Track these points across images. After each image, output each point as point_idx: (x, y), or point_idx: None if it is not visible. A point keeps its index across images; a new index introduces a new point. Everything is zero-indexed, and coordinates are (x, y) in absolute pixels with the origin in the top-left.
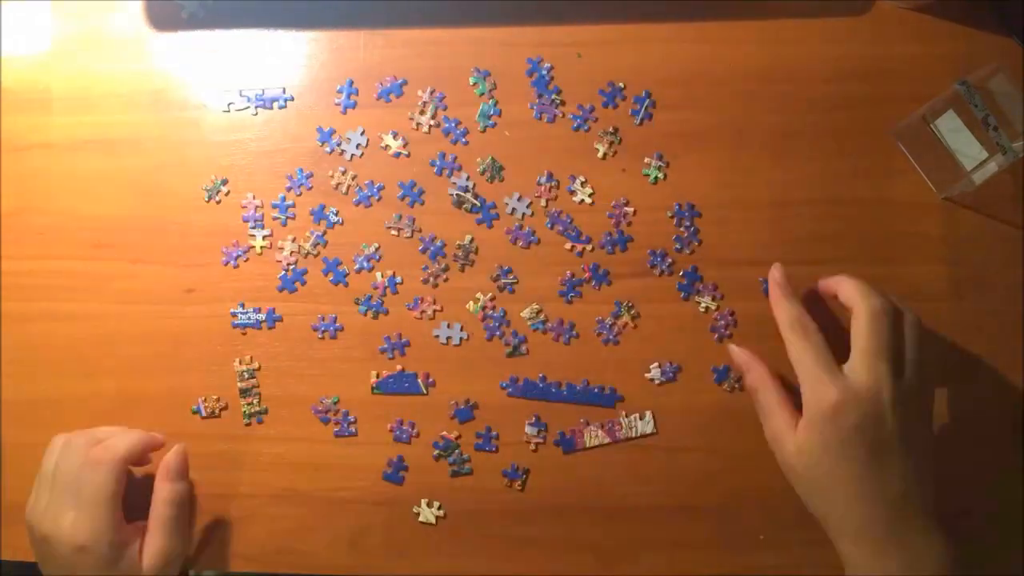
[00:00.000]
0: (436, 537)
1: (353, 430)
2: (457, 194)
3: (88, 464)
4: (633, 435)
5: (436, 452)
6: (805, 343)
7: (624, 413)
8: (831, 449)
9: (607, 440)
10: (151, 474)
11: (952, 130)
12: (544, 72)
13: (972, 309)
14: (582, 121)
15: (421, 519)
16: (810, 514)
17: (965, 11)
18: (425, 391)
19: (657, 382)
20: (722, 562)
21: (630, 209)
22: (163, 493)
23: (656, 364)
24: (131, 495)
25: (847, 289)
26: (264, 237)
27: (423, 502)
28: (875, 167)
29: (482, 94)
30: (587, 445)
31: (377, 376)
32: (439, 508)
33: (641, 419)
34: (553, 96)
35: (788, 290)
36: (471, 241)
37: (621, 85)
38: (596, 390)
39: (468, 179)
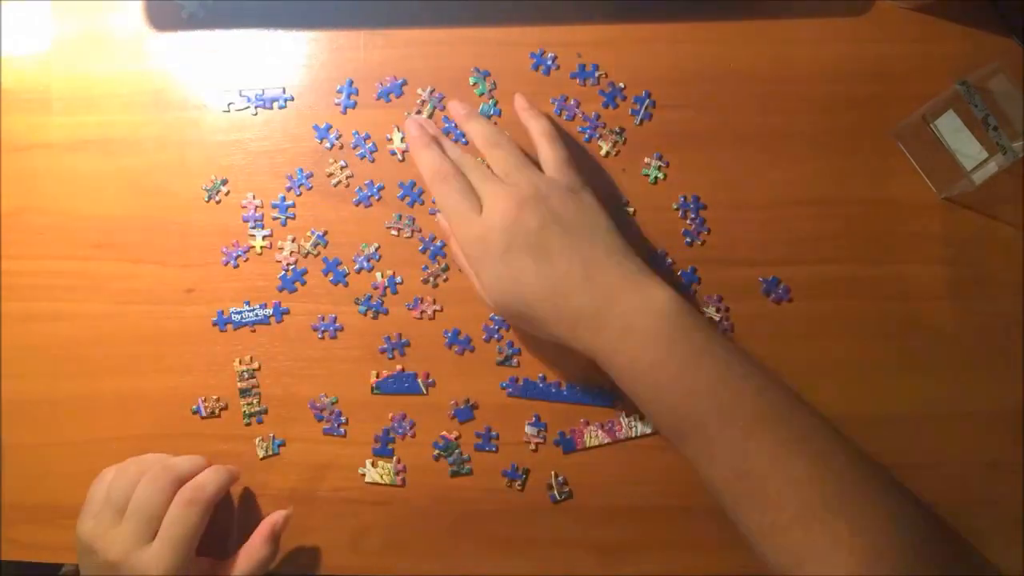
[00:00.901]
0: (436, 537)
1: (343, 431)
2: None
3: (180, 503)
4: (633, 435)
5: (436, 452)
6: (447, 186)
7: (624, 413)
8: (502, 280)
9: (607, 440)
10: None
11: (952, 130)
12: (549, 63)
13: (972, 309)
14: (592, 130)
15: (367, 480)
16: None
17: (965, 11)
18: (425, 391)
19: None
20: (721, 562)
21: (630, 209)
22: (260, 554)
23: None
24: None
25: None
26: (264, 237)
27: (367, 462)
28: (875, 167)
29: (482, 94)
30: (587, 445)
31: (377, 376)
32: (385, 469)
33: (641, 420)
34: (597, 74)
35: (427, 139)
36: None
37: (621, 85)
38: (595, 390)
39: None
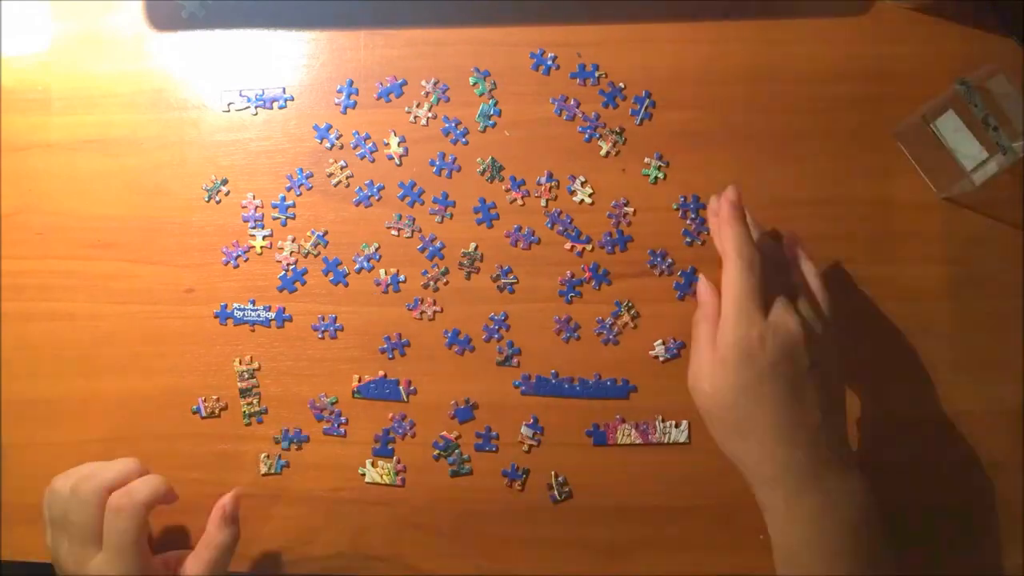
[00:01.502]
0: (436, 537)
1: (343, 431)
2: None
3: (110, 511)
4: (666, 441)
5: (436, 452)
6: (748, 273)
7: (661, 418)
8: (748, 389)
9: (639, 440)
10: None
11: (952, 130)
12: (549, 63)
13: (972, 309)
14: (592, 130)
15: (367, 480)
16: None
17: (965, 11)
18: (406, 399)
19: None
20: (721, 562)
21: (630, 209)
22: (218, 538)
23: (661, 341)
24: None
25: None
26: (264, 237)
27: (367, 463)
28: (875, 167)
29: (482, 94)
30: (619, 442)
31: (359, 380)
32: (385, 468)
33: (676, 427)
34: (597, 74)
35: (742, 214)
36: (476, 248)
37: (621, 85)
38: (609, 383)
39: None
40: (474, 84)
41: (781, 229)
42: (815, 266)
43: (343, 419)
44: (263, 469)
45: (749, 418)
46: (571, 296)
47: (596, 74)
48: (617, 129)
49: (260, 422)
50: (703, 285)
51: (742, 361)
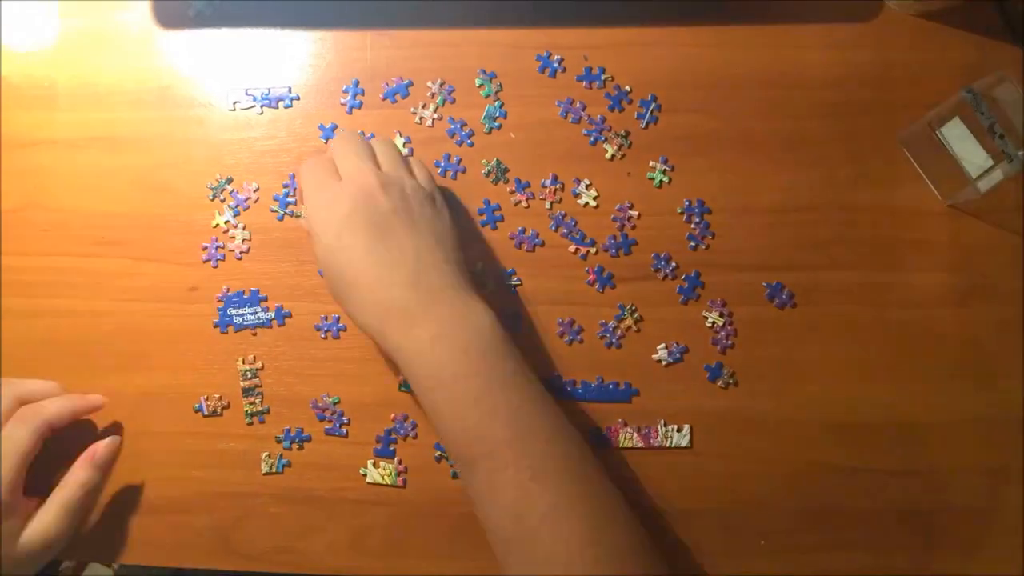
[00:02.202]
0: (436, 538)
1: (344, 431)
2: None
3: (13, 420)
4: (668, 445)
5: (437, 453)
6: (308, 164)
7: (663, 422)
8: (335, 249)
9: (640, 444)
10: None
11: (958, 137)
12: (555, 65)
13: (975, 316)
14: (597, 133)
15: (368, 480)
16: (811, 520)
17: (972, 19)
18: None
19: (664, 362)
20: (722, 567)
21: (635, 212)
22: (80, 477)
23: (664, 344)
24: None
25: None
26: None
27: (369, 463)
28: (880, 173)
29: (488, 96)
30: (621, 445)
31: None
32: (387, 469)
33: (678, 431)
34: (603, 77)
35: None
36: (482, 267)
37: (627, 88)
38: (611, 386)
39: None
40: (480, 85)
41: None
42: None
43: (345, 419)
44: (264, 468)
45: (347, 274)
46: (611, 343)
47: (602, 77)
48: (623, 132)
49: (262, 422)
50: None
51: (321, 225)
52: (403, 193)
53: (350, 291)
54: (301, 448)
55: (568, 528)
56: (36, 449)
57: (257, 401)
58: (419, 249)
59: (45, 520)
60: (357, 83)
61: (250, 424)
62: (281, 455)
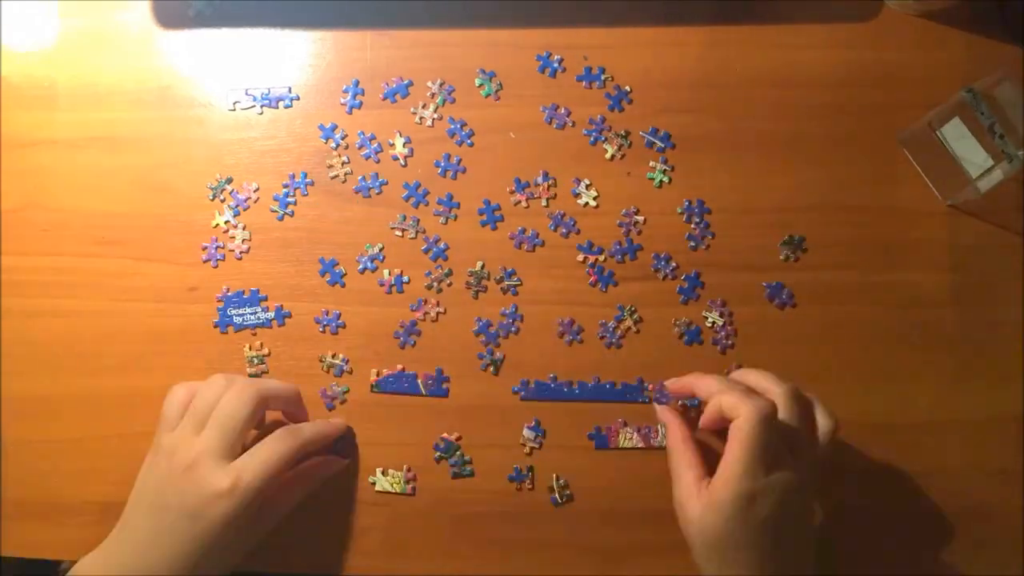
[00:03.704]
0: (437, 538)
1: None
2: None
3: (231, 391)
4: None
5: (437, 454)
6: (764, 428)
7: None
8: (736, 535)
9: (640, 444)
10: None
11: (958, 137)
12: (555, 65)
13: (976, 316)
14: (597, 133)
15: (377, 488)
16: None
17: (972, 19)
18: (424, 392)
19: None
20: None
21: (640, 218)
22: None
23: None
24: None
25: (731, 399)
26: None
27: (378, 471)
28: (880, 173)
29: (488, 95)
30: (620, 445)
31: (377, 375)
32: (396, 477)
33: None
34: (603, 77)
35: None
36: (483, 267)
37: (627, 88)
38: (608, 386)
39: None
40: (480, 85)
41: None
42: (830, 419)
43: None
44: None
45: (731, 559)
46: (611, 343)
47: (602, 77)
48: (623, 132)
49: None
50: (659, 412)
51: (736, 515)
52: (806, 496)
53: (723, 569)
54: None
55: None
56: (255, 418)
57: None
58: (800, 558)
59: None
60: (357, 83)
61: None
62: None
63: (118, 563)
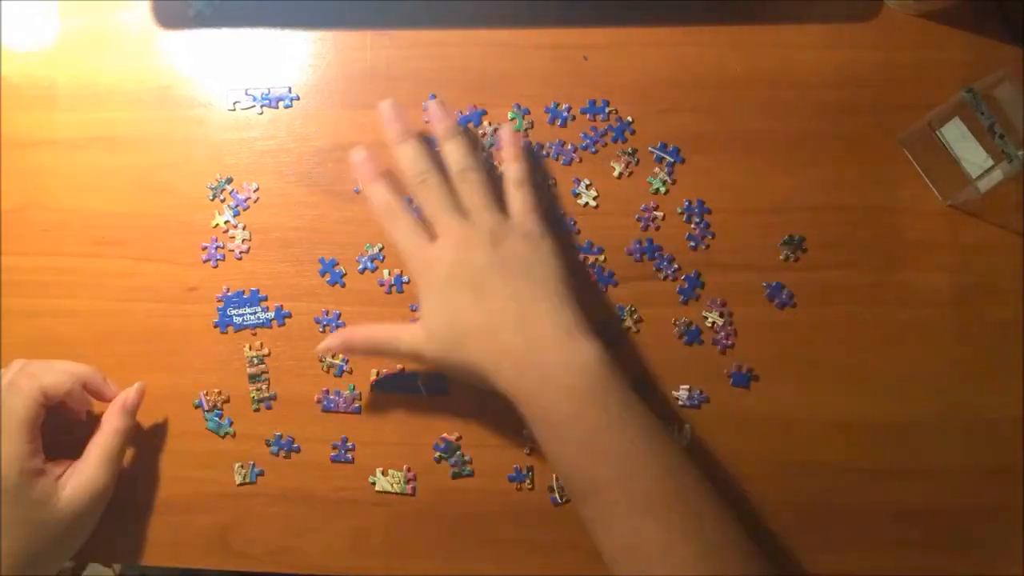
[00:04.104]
0: (436, 538)
1: (350, 456)
2: None
3: (9, 388)
4: None
5: (437, 454)
6: (395, 225)
7: (664, 423)
8: (441, 312)
9: None
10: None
11: (958, 137)
12: (564, 114)
13: (975, 316)
14: (591, 143)
15: (377, 488)
16: (807, 520)
17: (972, 19)
18: (423, 391)
19: (681, 403)
20: None
21: (659, 213)
22: (114, 424)
23: (686, 388)
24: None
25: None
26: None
27: (378, 471)
28: (880, 173)
29: (519, 130)
30: None
31: (377, 374)
32: (396, 477)
33: (679, 431)
34: (607, 110)
35: (373, 172)
36: None
37: (629, 119)
38: None
39: None
40: (512, 119)
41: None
42: (519, 166)
43: (350, 444)
44: (238, 479)
45: (455, 329)
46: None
47: (606, 110)
48: (630, 150)
49: (269, 408)
50: (326, 348)
51: (425, 293)
52: (494, 243)
53: (461, 346)
54: (288, 457)
55: (681, 561)
56: (38, 414)
57: (264, 387)
58: (518, 295)
59: (86, 472)
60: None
61: (256, 411)
62: (254, 464)
63: None
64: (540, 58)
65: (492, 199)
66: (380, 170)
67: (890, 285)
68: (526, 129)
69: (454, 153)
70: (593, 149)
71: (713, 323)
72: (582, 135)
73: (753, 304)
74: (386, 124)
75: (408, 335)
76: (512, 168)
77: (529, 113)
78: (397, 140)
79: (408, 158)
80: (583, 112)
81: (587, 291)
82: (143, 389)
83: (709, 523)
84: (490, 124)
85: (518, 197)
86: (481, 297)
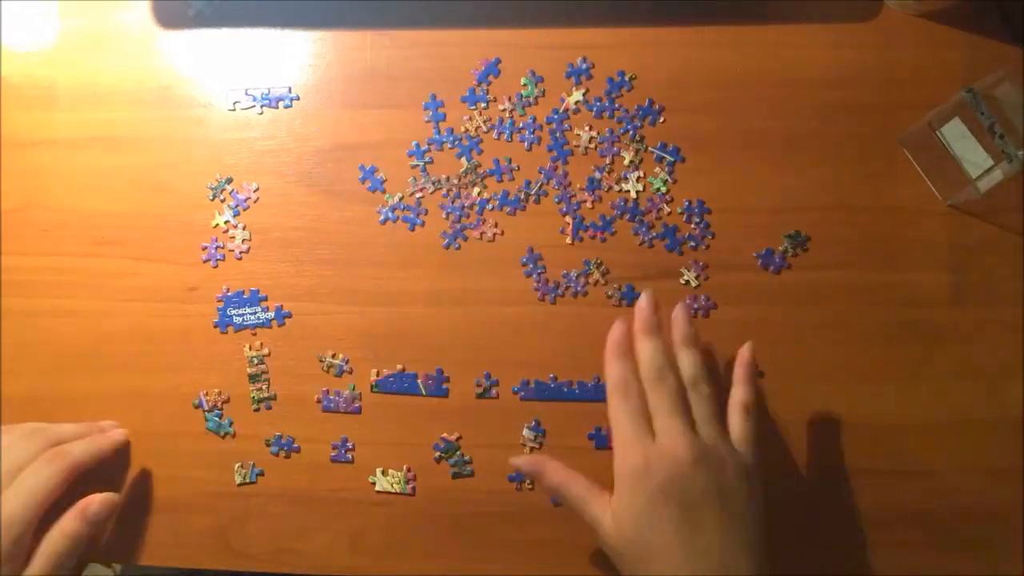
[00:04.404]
0: (436, 538)
1: (350, 456)
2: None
3: (44, 459)
4: None
5: (437, 454)
6: (624, 404)
7: None
8: (642, 515)
9: None
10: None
11: (958, 137)
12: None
13: (975, 316)
14: (609, 144)
15: (377, 488)
16: (807, 520)
17: (972, 19)
18: (423, 392)
19: None
20: None
21: (708, 208)
22: (70, 526)
23: None
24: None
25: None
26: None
27: (378, 471)
28: (881, 173)
29: (529, 95)
30: None
31: (377, 375)
32: (396, 477)
33: None
34: (625, 88)
35: (623, 349)
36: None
37: (630, 76)
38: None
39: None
40: (524, 85)
41: (739, 350)
42: (750, 391)
43: (350, 444)
44: (238, 479)
45: (649, 545)
46: (577, 292)
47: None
48: (638, 137)
49: (269, 408)
50: (521, 464)
51: (633, 488)
52: (718, 468)
53: (649, 561)
54: (288, 457)
55: None
56: (60, 491)
57: (264, 387)
58: (726, 543)
59: (33, 568)
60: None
61: (256, 411)
62: (254, 464)
63: None
64: (540, 58)
65: (720, 417)
66: (627, 347)
67: (890, 285)
68: (536, 97)
69: (688, 361)
70: (615, 151)
71: (687, 282)
72: (599, 137)
73: (752, 304)
74: (641, 313)
75: (599, 508)
76: (741, 391)
77: (543, 81)
78: (645, 331)
79: (649, 352)
80: (588, 109)
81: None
82: (112, 502)
83: None
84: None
85: (740, 424)
86: (688, 524)
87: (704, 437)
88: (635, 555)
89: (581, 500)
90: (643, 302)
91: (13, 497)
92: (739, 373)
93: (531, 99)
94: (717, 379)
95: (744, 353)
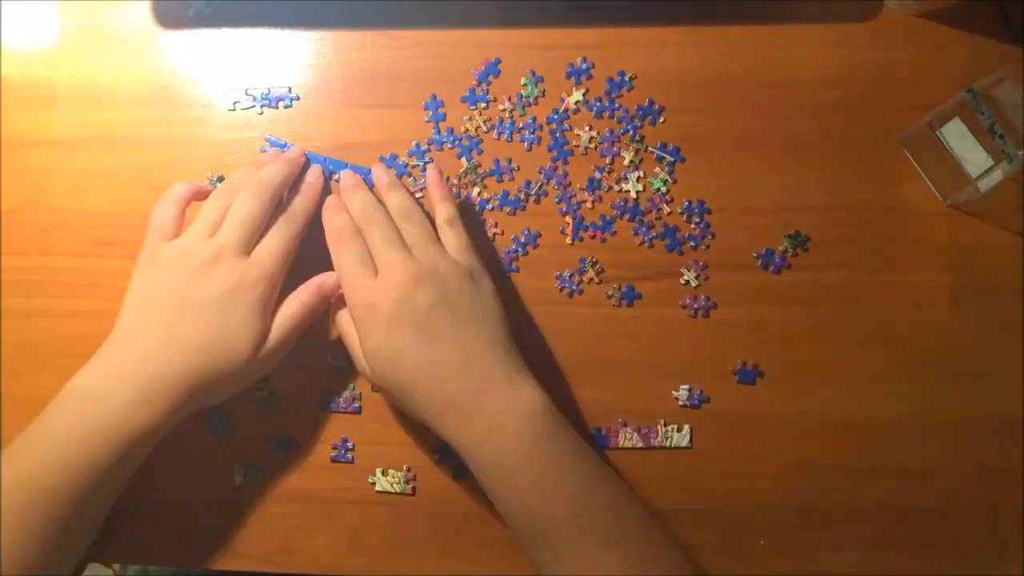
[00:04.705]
0: (437, 538)
1: (350, 456)
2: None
3: (246, 192)
4: (668, 445)
5: (437, 454)
6: (342, 249)
7: (663, 422)
8: (383, 350)
9: (640, 444)
10: None
11: (958, 137)
12: (585, 68)
13: (974, 316)
14: (609, 144)
15: (377, 488)
16: (810, 520)
17: (972, 18)
18: None
19: (682, 403)
20: (721, 567)
21: (708, 208)
22: (308, 297)
23: (686, 388)
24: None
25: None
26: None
27: (378, 471)
28: (880, 173)
29: (529, 95)
30: (620, 445)
31: None
32: (396, 477)
33: (678, 431)
34: (625, 88)
35: (338, 206)
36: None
37: (630, 76)
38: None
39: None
40: (524, 85)
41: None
42: (450, 205)
43: (350, 444)
44: (238, 479)
45: (399, 374)
46: (572, 292)
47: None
48: (638, 137)
49: (269, 408)
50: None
51: (367, 328)
52: (439, 281)
53: (406, 390)
54: (288, 457)
55: None
56: (294, 252)
57: (264, 387)
58: (463, 340)
59: (271, 337)
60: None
61: (256, 411)
62: (254, 464)
63: (133, 359)
64: (540, 58)
65: (434, 236)
66: (343, 203)
67: (890, 285)
68: (536, 97)
69: (396, 200)
70: (615, 151)
71: (687, 282)
72: (599, 137)
73: (753, 303)
74: (344, 181)
75: (360, 358)
76: (441, 208)
77: (543, 81)
78: (350, 189)
79: (358, 200)
80: (587, 108)
81: None
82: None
83: (664, 554)
84: (415, 168)
85: (452, 236)
86: (425, 341)
87: (421, 258)
88: (396, 388)
89: (354, 355)
90: (343, 172)
91: (268, 247)
92: (434, 195)
93: (531, 99)
94: (430, 216)
95: (431, 175)
